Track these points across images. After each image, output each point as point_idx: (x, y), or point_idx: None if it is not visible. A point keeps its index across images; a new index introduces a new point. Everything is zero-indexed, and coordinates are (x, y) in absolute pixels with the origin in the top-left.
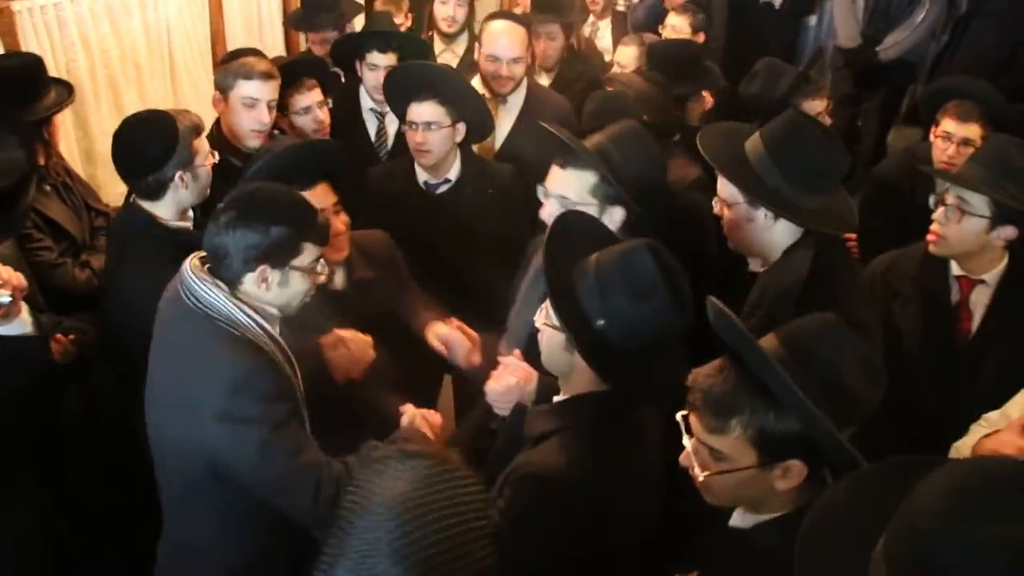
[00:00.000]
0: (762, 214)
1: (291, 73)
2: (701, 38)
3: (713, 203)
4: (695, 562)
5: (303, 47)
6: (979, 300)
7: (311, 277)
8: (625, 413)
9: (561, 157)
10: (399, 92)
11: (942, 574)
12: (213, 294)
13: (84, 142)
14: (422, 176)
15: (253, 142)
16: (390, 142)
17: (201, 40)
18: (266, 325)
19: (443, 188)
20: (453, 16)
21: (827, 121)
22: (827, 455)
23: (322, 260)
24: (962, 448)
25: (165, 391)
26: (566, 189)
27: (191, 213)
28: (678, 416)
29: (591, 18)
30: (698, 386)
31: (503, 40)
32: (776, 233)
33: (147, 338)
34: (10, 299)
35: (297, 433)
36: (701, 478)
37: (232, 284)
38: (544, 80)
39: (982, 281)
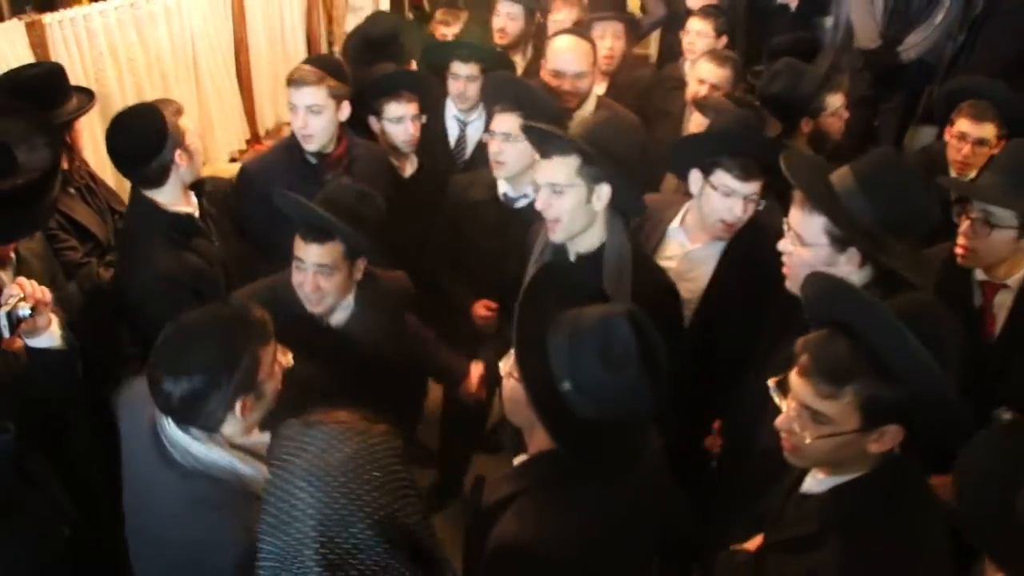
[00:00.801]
0: (844, 258)
1: (392, 82)
2: (724, 41)
3: (785, 241)
4: (754, 530)
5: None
6: (1002, 303)
7: (277, 376)
8: (586, 471)
9: (541, 148)
10: (489, 100)
11: None
12: (214, 450)
13: None
14: (503, 188)
15: (306, 146)
16: (468, 151)
17: (225, 48)
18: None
19: (522, 203)
20: (504, 28)
21: (845, 115)
22: (932, 419)
23: (277, 349)
24: None
25: (167, 543)
26: (554, 176)
27: (194, 199)
28: (770, 382)
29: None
30: (810, 352)
31: (567, 55)
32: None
33: (163, 319)
34: (30, 313)
35: None
36: (808, 441)
37: (207, 429)
38: (599, 87)
39: (1005, 285)
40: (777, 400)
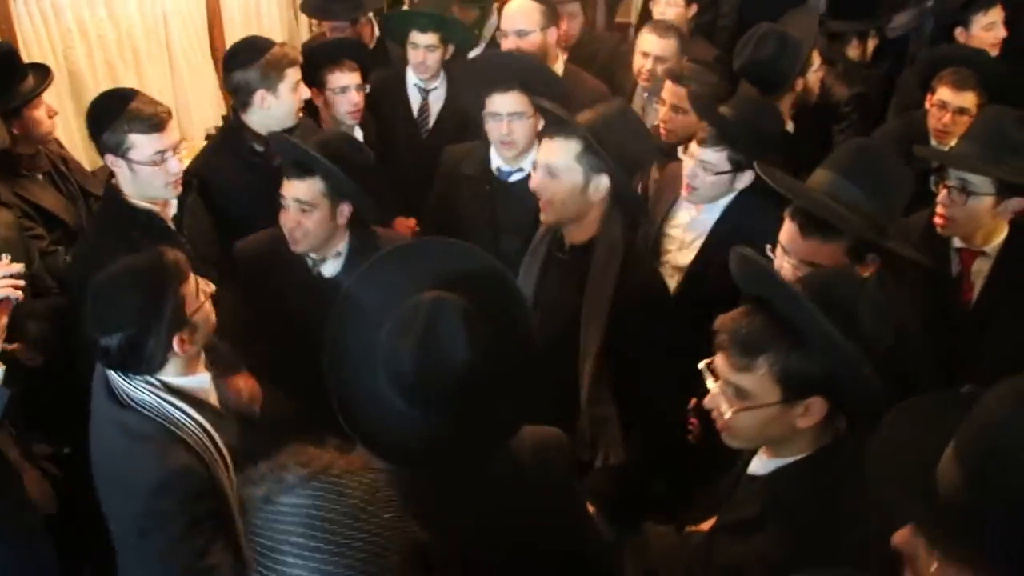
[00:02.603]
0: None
1: (333, 51)
2: (693, 10)
3: (787, 267)
4: (707, 512)
5: (303, 32)
6: (980, 271)
7: (206, 306)
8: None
9: (548, 128)
10: (479, 81)
11: (1014, 461)
12: (145, 391)
13: (85, 128)
14: (496, 162)
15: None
16: (432, 120)
17: (198, 23)
18: (199, 418)
19: (516, 177)
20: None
21: (821, 72)
22: (848, 390)
23: (198, 281)
24: None
25: (103, 469)
26: (552, 157)
27: (174, 203)
28: (701, 365)
29: None
30: (725, 328)
31: (512, 14)
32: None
33: None
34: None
35: (209, 533)
36: (728, 415)
37: (152, 372)
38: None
39: (983, 252)
40: (708, 382)
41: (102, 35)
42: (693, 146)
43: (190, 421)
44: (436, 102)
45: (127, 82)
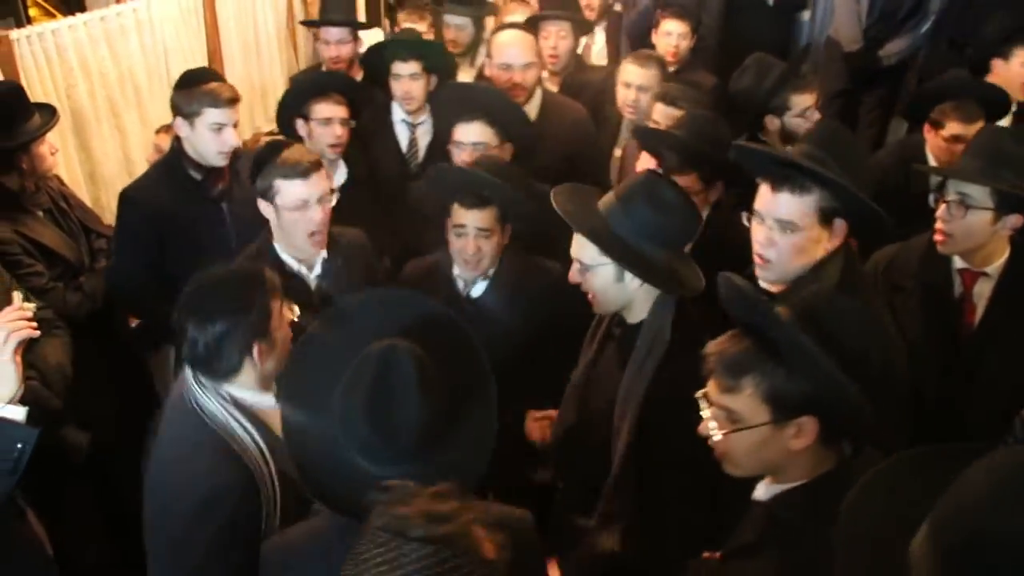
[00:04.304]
0: (828, 234)
1: (322, 83)
2: (694, 40)
3: (767, 231)
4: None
5: (302, 67)
6: (982, 292)
7: (287, 330)
8: None
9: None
10: (445, 111)
11: (994, 555)
12: (214, 400)
13: (87, 164)
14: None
15: (221, 163)
16: (421, 154)
17: (199, 60)
18: (258, 437)
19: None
20: (454, 39)
21: (814, 117)
22: (835, 407)
23: (285, 304)
24: None
25: (155, 474)
26: (580, 253)
27: (318, 267)
28: (697, 395)
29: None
30: (713, 352)
31: (513, 48)
32: (818, 252)
33: None
34: None
35: (244, 554)
36: (719, 437)
37: (229, 377)
38: (551, 87)
39: (984, 273)
40: (702, 411)
41: (104, 73)
42: None
43: (248, 438)
44: (424, 136)
45: (129, 117)
